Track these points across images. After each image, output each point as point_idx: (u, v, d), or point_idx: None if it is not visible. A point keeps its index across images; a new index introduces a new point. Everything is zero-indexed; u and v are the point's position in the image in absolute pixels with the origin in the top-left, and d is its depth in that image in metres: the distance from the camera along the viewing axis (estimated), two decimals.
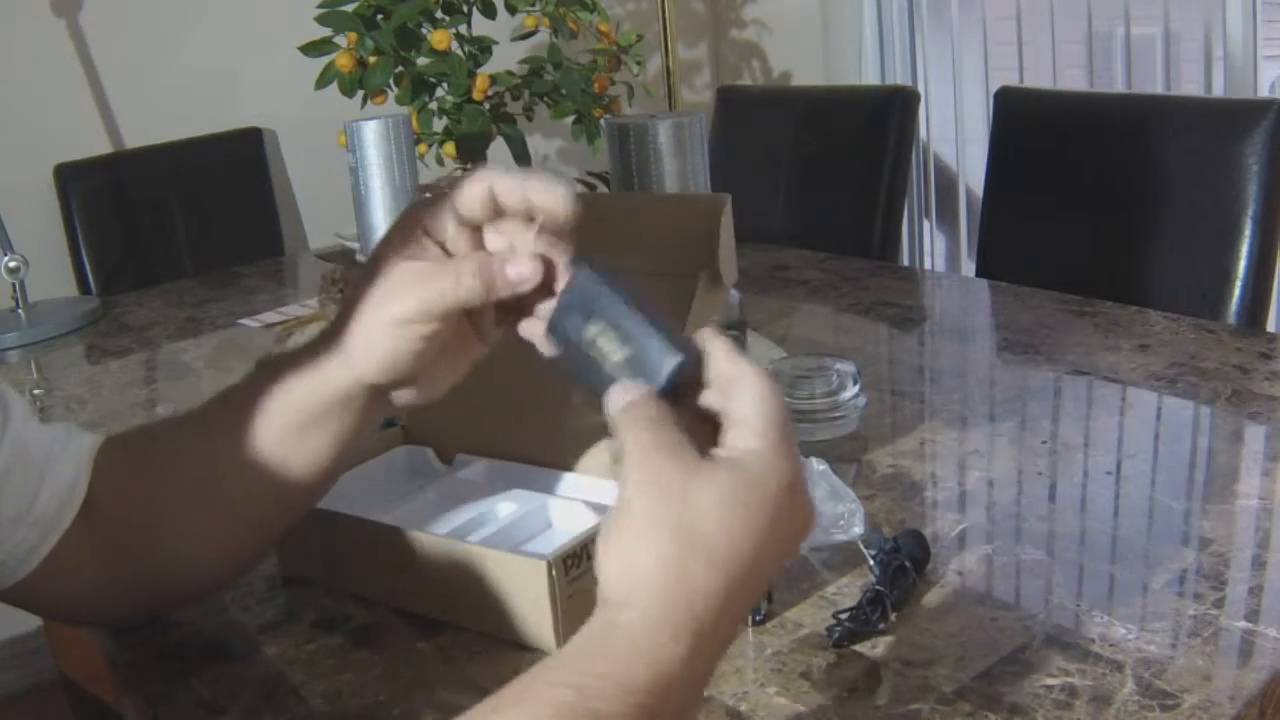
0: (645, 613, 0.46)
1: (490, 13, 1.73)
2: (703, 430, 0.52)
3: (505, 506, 0.84)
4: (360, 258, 1.37)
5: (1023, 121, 1.75)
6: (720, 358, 0.52)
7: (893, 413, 1.09)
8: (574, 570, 0.71)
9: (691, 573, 0.46)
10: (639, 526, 0.48)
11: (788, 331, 1.36)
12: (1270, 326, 1.56)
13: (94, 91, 2.25)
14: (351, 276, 1.34)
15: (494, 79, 1.68)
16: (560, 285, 0.58)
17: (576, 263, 0.56)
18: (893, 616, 0.72)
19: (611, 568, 0.48)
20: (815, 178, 2.04)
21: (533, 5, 1.73)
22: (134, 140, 2.28)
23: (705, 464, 0.48)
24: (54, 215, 2.16)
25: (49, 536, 0.69)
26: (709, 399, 0.52)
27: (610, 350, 0.53)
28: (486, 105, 1.69)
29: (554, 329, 0.56)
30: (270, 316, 1.64)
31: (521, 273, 0.60)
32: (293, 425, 0.67)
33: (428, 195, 0.61)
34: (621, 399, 0.51)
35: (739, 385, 0.51)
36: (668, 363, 0.52)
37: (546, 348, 0.56)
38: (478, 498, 0.86)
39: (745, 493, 0.48)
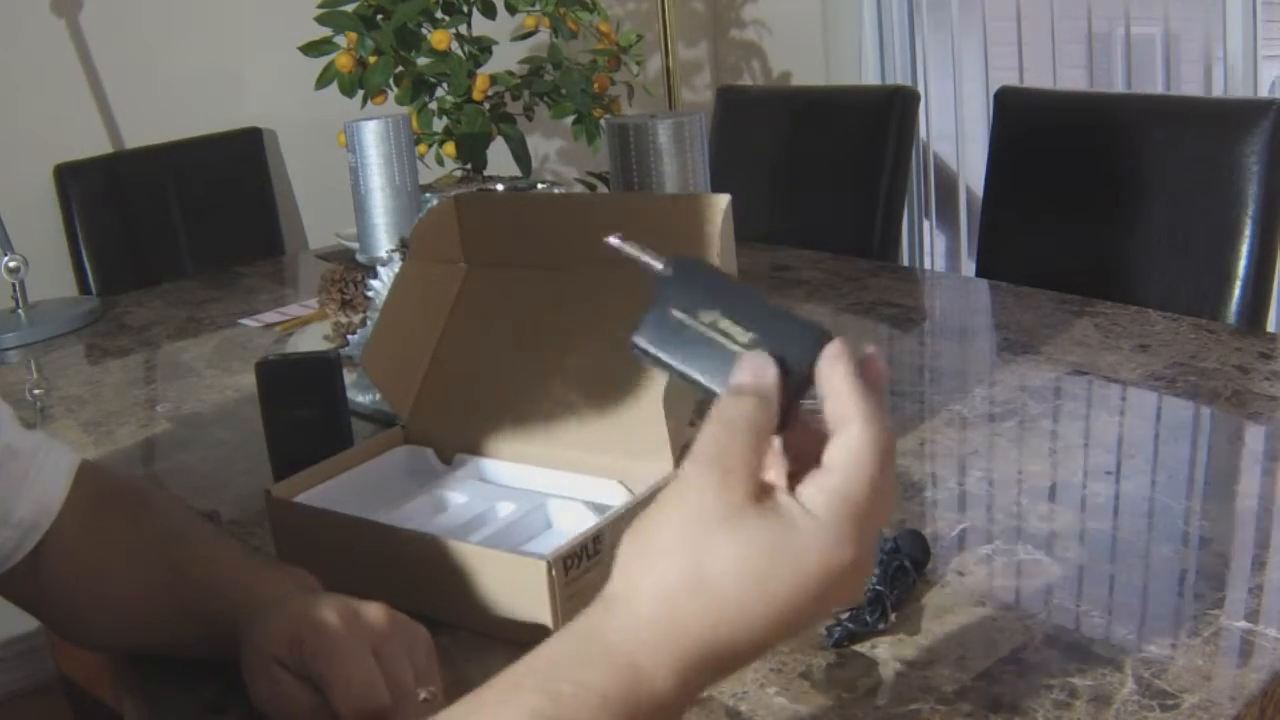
0: (630, 630, 0.44)
1: (490, 13, 1.73)
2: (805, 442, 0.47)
3: (505, 506, 0.84)
4: (360, 258, 1.37)
5: (1023, 121, 1.75)
6: (840, 381, 0.46)
7: (893, 413, 1.09)
8: (574, 570, 0.71)
9: (684, 613, 0.44)
10: (657, 542, 0.45)
11: None
12: (1270, 326, 1.56)
13: (94, 91, 2.25)
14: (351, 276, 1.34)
15: (494, 79, 1.68)
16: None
17: (677, 260, 0.51)
18: (893, 616, 0.72)
19: (619, 564, 0.46)
20: (815, 178, 2.04)
21: (533, 5, 1.73)
22: (134, 140, 2.28)
23: (751, 508, 0.44)
24: (54, 215, 2.16)
25: (26, 541, 0.72)
26: (825, 416, 0.46)
27: (736, 332, 0.48)
28: (486, 105, 1.69)
29: (656, 321, 0.49)
30: (270, 316, 1.64)
31: None
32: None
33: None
34: (749, 373, 0.46)
35: (844, 427, 0.45)
36: (810, 340, 0.46)
37: (639, 341, 0.50)
38: (478, 498, 0.86)
39: (775, 557, 0.43)
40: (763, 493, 0.45)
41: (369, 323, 1.20)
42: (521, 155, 1.75)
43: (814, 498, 0.45)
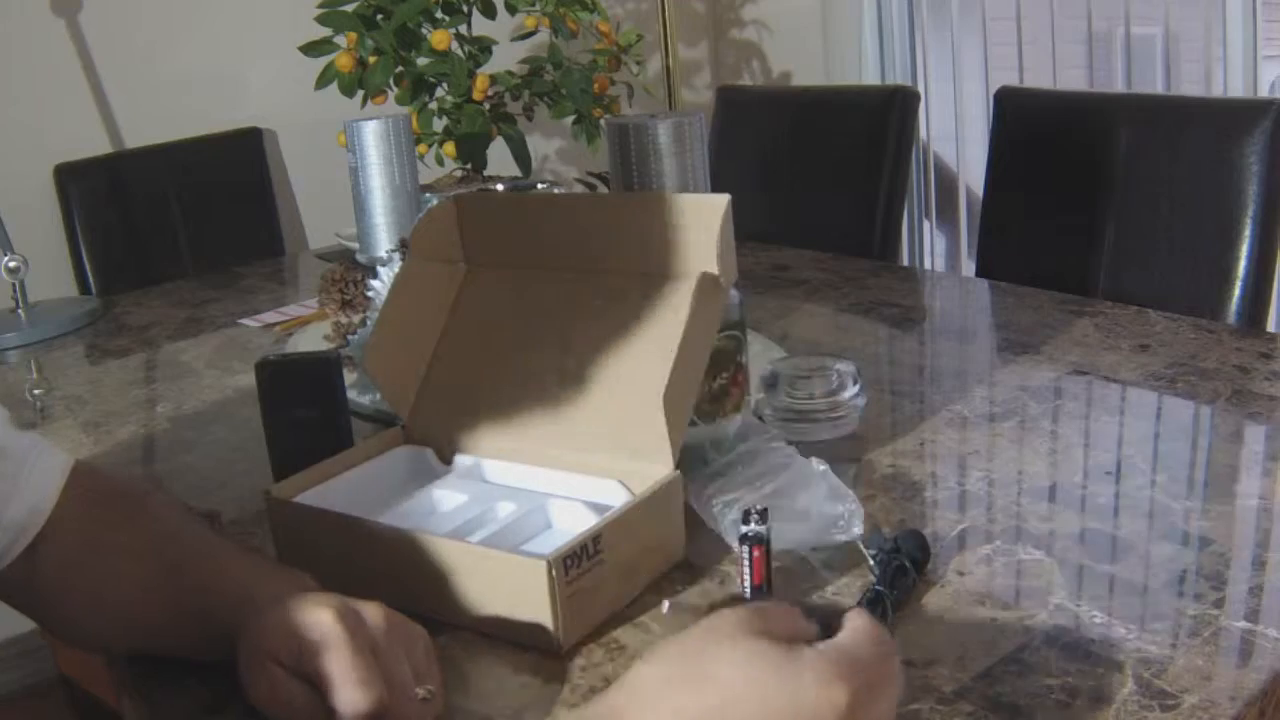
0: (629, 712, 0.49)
1: (490, 13, 1.73)
2: None
3: (505, 506, 0.84)
4: (360, 258, 1.37)
5: (1023, 121, 1.75)
6: (859, 613, 0.53)
7: (893, 413, 1.09)
8: (574, 570, 0.71)
9: (681, 698, 0.49)
10: (672, 642, 0.51)
11: (788, 331, 1.36)
12: (1270, 326, 1.56)
13: (94, 91, 2.25)
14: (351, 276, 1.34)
15: (494, 79, 1.68)
16: None
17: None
18: (892, 616, 0.72)
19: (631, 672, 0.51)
20: (815, 178, 2.04)
21: (533, 5, 1.73)
22: (134, 140, 2.28)
23: (769, 636, 0.50)
24: (54, 215, 2.16)
25: (17, 543, 0.72)
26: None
27: None
28: (486, 105, 1.69)
29: None
30: (270, 316, 1.64)
31: None
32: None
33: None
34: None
35: (853, 619, 0.53)
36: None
37: None
38: (478, 498, 0.86)
39: (779, 668, 0.49)
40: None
41: (369, 323, 1.20)
42: (521, 155, 1.75)
43: (822, 645, 0.51)
